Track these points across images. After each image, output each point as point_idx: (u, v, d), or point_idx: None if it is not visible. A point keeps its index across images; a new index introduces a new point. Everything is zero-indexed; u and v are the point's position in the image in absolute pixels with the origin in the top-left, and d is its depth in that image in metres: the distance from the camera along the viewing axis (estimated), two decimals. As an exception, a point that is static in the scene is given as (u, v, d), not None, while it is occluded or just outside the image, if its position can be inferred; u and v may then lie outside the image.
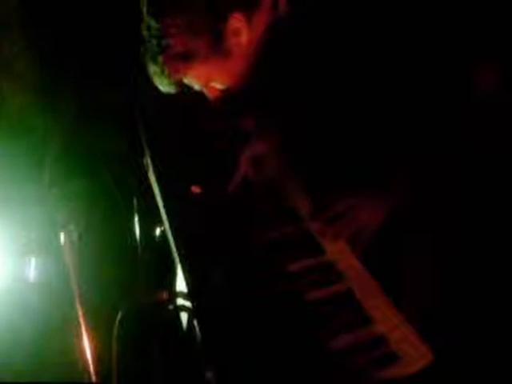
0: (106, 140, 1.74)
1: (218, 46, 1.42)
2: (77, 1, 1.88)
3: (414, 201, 1.38)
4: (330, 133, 1.48)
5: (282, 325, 1.29)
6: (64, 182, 1.68)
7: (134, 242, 1.57)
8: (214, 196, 1.56)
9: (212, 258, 1.40)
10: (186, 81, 1.51)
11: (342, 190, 1.46)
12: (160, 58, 1.44)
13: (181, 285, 1.39)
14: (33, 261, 1.64)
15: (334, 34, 1.40)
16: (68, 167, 1.71)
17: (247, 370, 1.24)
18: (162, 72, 1.46)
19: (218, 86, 1.52)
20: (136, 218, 1.59)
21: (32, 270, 1.64)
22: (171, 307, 1.36)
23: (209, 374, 1.25)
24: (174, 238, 1.44)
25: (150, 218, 1.56)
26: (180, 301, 1.35)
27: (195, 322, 1.29)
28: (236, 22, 1.40)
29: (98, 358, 1.42)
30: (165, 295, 1.38)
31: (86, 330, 1.46)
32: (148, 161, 1.62)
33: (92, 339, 1.45)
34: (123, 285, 1.51)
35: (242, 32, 1.42)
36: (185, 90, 1.53)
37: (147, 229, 1.56)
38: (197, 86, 1.52)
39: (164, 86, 1.50)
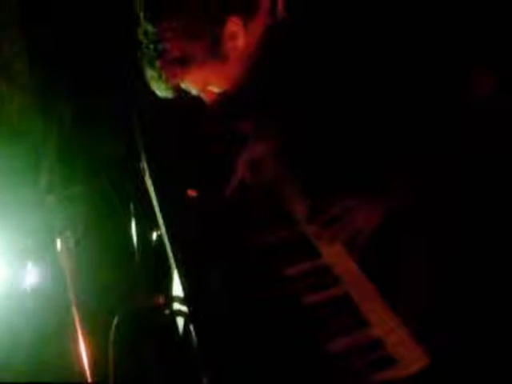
0: (103, 145, 1.74)
1: (215, 50, 1.42)
2: (75, 5, 1.88)
3: (411, 204, 1.37)
4: (327, 136, 1.48)
5: (279, 329, 1.29)
6: (61, 187, 1.68)
7: (131, 247, 1.58)
8: (210, 200, 1.56)
9: (209, 262, 1.40)
10: (183, 85, 1.51)
11: (338, 193, 1.46)
12: (157, 63, 1.44)
13: (177, 289, 1.39)
14: (30, 266, 1.64)
15: (332, 38, 1.40)
16: (65, 172, 1.71)
17: (244, 375, 1.24)
18: (160, 77, 1.46)
19: (215, 89, 1.52)
20: (133, 223, 1.59)
21: (29, 275, 1.64)
22: (167, 312, 1.36)
23: (205, 379, 1.24)
24: (171, 243, 1.44)
25: (147, 223, 1.56)
26: (176, 305, 1.35)
27: (191, 327, 1.29)
28: (233, 25, 1.40)
29: (94, 362, 1.43)
30: (161, 300, 1.38)
31: (83, 335, 1.46)
32: (144, 165, 1.62)
33: (89, 343, 1.46)
34: (120, 289, 1.51)
35: (239, 36, 1.42)
36: (182, 94, 1.53)
37: (144, 233, 1.57)
38: (194, 91, 1.52)
39: (161, 90, 1.50)
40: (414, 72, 1.37)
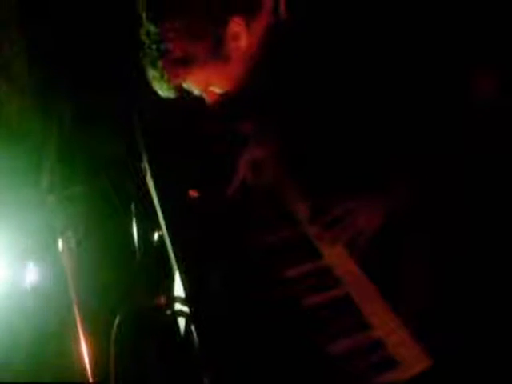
0: (104, 145, 1.74)
1: (217, 50, 1.42)
2: (75, 5, 1.88)
3: (413, 204, 1.37)
4: (329, 137, 1.48)
5: (280, 330, 1.29)
6: (62, 187, 1.68)
7: (132, 247, 1.58)
8: (211, 200, 1.56)
9: (210, 263, 1.40)
10: (185, 85, 1.50)
11: (340, 194, 1.46)
12: (159, 63, 1.44)
13: (178, 290, 1.39)
14: (31, 266, 1.64)
15: (334, 39, 1.40)
16: (66, 173, 1.71)
17: (245, 375, 1.24)
18: (162, 77, 1.46)
19: (217, 90, 1.52)
20: (134, 223, 1.59)
21: (30, 274, 1.64)
22: (169, 312, 1.36)
23: (206, 379, 1.24)
24: (172, 243, 1.44)
25: (148, 223, 1.56)
26: (178, 306, 1.35)
27: (192, 327, 1.29)
28: (235, 26, 1.40)
29: (95, 363, 1.42)
30: (162, 300, 1.38)
31: (84, 335, 1.46)
32: (146, 165, 1.62)
33: (89, 343, 1.45)
34: (121, 289, 1.51)
35: (241, 36, 1.42)
36: (184, 94, 1.53)
37: (145, 234, 1.56)
38: (196, 91, 1.52)
39: (163, 90, 1.49)
40: (415, 73, 1.37)
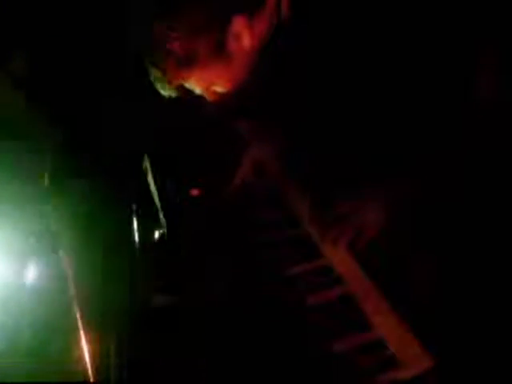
0: (107, 144, 1.74)
1: (219, 50, 1.42)
2: (77, 5, 1.88)
3: (416, 203, 1.38)
4: (331, 135, 1.48)
5: (281, 329, 1.29)
6: (63, 184, 1.68)
7: (133, 246, 1.57)
8: (213, 199, 1.56)
9: (211, 261, 1.40)
10: (187, 85, 1.51)
11: (342, 193, 1.46)
12: (162, 62, 1.44)
13: (180, 287, 1.39)
14: (31, 263, 1.63)
15: (337, 38, 1.40)
16: (68, 169, 1.71)
17: (247, 374, 1.24)
18: (164, 76, 1.46)
19: (219, 89, 1.52)
20: (135, 221, 1.59)
21: (30, 273, 1.63)
22: (170, 309, 1.36)
23: (207, 377, 1.25)
24: (173, 241, 1.44)
25: (150, 221, 1.56)
26: (179, 303, 1.35)
27: (194, 324, 1.29)
28: (238, 25, 1.40)
29: (96, 361, 1.42)
30: (164, 298, 1.38)
31: (85, 333, 1.46)
32: (147, 164, 1.62)
33: (90, 341, 1.45)
34: (122, 287, 1.51)
35: (243, 36, 1.42)
36: (186, 94, 1.53)
37: (147, 232, 1.56)
38: (198, 90, 1.53)
39: (165, 90, 1.50)
40: (417, 70, 1.37)
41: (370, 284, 1.34)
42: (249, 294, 1.36)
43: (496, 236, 1.33)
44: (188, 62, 1.43)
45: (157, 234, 1.54)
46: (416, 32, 1.36)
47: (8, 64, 1.83)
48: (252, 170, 1.59)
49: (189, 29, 1.39)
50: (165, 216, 1.53)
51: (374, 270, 1.36)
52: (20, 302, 1.60)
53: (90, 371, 1.41)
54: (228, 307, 1.33)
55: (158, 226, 1.54)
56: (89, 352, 1.43)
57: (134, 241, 1.58)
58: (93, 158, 1.74)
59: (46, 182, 1.67)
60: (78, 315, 1.48)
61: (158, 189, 1.59)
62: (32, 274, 1.63)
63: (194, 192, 1.57)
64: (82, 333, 1.46)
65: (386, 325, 1.26)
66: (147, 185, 1.62)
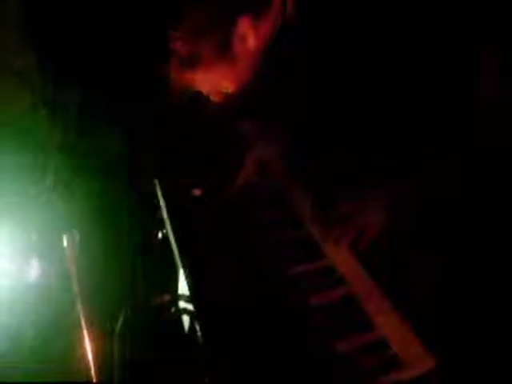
0: (109, 143, 1.74)
1: (224, 50, 1.42)
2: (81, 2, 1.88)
3: (419, 203, 1.38)
4: (335, 136, 1.48)
5: (283, 329, 1.29)
6: (67, 183, 1.68)
7: (137, 245, 1.58)
8: (216, 199, 1.56)
9: (214, 261, 1.40)
10: (191, 86, 1.51)
11: (345, 193, 1.46)
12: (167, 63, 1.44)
13: (183, 288, 1.39)
14: (35, 262, 1.64)
15: (341, 39, 1.40)
16: (71, 169, 1.71)
17: (249, 374, 1.24)
18: (169, 77, 1.46)
19: (224, 90, 1.52)
20: (139, 221, 1.59)
21: (34, 271, 1.64)
22: (173, 310, 1.36)
23: (209, 378, 1.25)
24: (176, 241, 1.44)
25: (153, 221, 1.56)
26: (182, 304, 1.35)
27: (197, 325, 1.29)
28: (243, 26, 1.40)
29: (99, 360, 1.42)
30: (167, 298, 1.38)
31: (88, 332, 1.46)
32: (151, 165, 1.63)
33: (93, 341, 1.45)
34: (125, 287, 1.51)
35: (248, 37, 1.42)
36: (191, 94, 1.53)
37: (150, 231, 1.57)
38: (203, 91, 1.53)
39: (171, 90, 1.50)
40: (420, 71, 1.37)
41: (373, 284, 1.34)
42: (251, 294, 1.36)
43: (497, 236, 1.33)
44: (192, 63, 1.44)
45: (159, 235, 1.54)
46: (419, 32, 1.36)
47: (14, 63, 1.83)
48: (255, 170, 1.59)
49: (193, 29, 1.40)
50: (167, 216, 1.53)
51: (377, 270, 1.36)
52: (23, 301, 1.61)
53: (92, 371, 1.41)
54: (230, 307, 1.33)
55: (161, 226, 1.55)
56: (91, 351, 1.44)
57: (137, 241, 1.58)
58: (97, 158, 1.74)
59: (50, 181, 1.67)
60: (81, 314, 1.48)
61: (161, 189, 1.59)
62: (35, 272, 1.64)
63: (197, 192, 1.57)
64: (84, 332, 1.46)
65: (388, 325, 1.26)
66: (151, 186, 1.63)
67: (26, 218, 1.67)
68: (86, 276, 1.56)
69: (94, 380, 1.42)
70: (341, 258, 1.42)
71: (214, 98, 1.54)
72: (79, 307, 1.49)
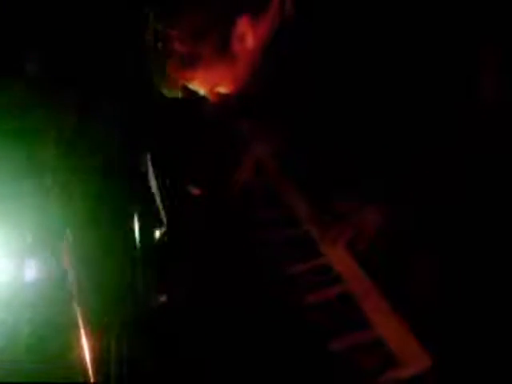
0: (107, 142, 1.74)
1: (223, 50, 1.42)
2: (78, 6, 1.88)
3: (417, 203, 1.38)
4: (332, 136, 1.49)
5: (280, 327, 1.29)
6: (64, 182, 1.68)
7: (133, 245, 1.58)
8: (213, 198, 1.56)
9: (210, 259, 1.40)
10: (190, 86, 1.51)
11: (342, 192, 1.46)
12: (166, 62, 1.44)
13: (179, 286, 1.39)
14: (31, 261, 1.64)
15: (340, 39, 1.40)
16: (68, 168, 1.71)
17: (246, 372, 1.24)
18: (168, 77, 1.46)
19: (222, 90, 1.52)
20: (135, 220, 1.59)
21: (30, 270, 1.64)
22: (170, 309, 1.36)
23: (207, 375, 1.25)
24: (173, 240, 1.44)
25: (150, 220, 1.56)
26: (178, 303, 1.35)
27: (193, 324, 1.29)
28: (242, 26, 1.40)
29: (96, 359, 1.42)
30: (163, 297, 1.38)
31: (85, 331, 1.46)
32: (148, 163, 1.63)
33: (90, 340, 1.45)
34: (122, 286, 1.51)
35: (247, 36, 1.42)
36: (188, 94, 1.53)
37: (147, 230, 1.57)
38: (201, 91, 1.53)
39: (169, 90, 1.50)
40: (419, 70, 1.37)
41: (370, 283, 1.34)
42: (248, 293, 1.36)
43: (496, 236, 1.33)
44: (191, 63, 1.44)
45: (157, 234, 1.54)
46: (418, 32, 1.36)
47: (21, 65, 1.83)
48: (252, 170, 1.59)
49: (192, 29, 1.40)
50: (165, 215, 1.53)
51: (374, 268, 1.36)
52: (19, 300, 1.61)
53: (89, 370, 1.41)
54: (227, 306, 1.33)
55: (159, 225, 1.55)
56: (89, 350, 1.44)
57: (135, 240, 1.58)
58: (94, 159, 1.74)
59: (46, 179, 1.67)
60: (77, 314, 1.48)
61: (158, 188, 1.60)
62: (31, 271, 1.64)
63: (195, 191, 1.57)
64: (81, 331, 1.46)
65: (385, 324, 1.26)
66: (148, 185, 1.63)
67: (23, 217, 1.67)
68: (83, 276, 1.56)
69: (91, 379, 1.42)
70: (337, 256, 1.42)
71: (212, 99, 1.54)
72: (75, 307, 1.49)
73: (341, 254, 1.42)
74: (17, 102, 1.80)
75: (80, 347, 1.45)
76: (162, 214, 1.51)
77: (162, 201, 1.54)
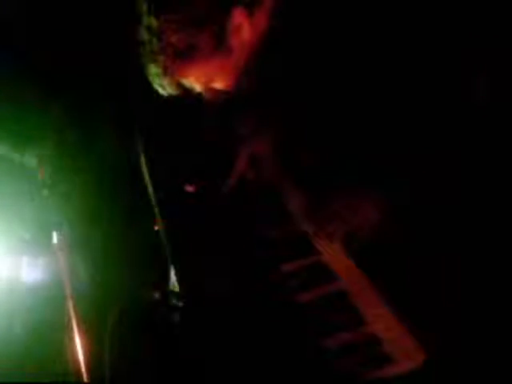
0: (102, 139, 1.74)
1: (219, 42, 1.41)
2: (72, 5, 1.88)
3: (412, 201, 1.37)
4: (329, 133, 1.48)
5: (275, 325, 1.29)
6: (59, 181, 1.68)
7: (129, 243, 1.57)
8: (208, 195, 1.55)
9: (205, 257, 1.40)
10: (185, 82, 1.50)
11: (338, 190, 1.45)
12: (160, 57, 1.43)
13: (174, 285, 1.38)
14: (26, 261, 1.63)
15: (337, 33, 1.39)
16: (63, 167, 1.71)
17: (240, 370, 1.23)
18: (163, 72, 1.45)
19: (218, 86, 1.51)
20: (130, 219, 1.59)
21: (25, 269, 1.63)
22: (164, 307, 1.36)
23: (204, 373, 1.24)
24: (168, 238, 1.44)
25: (145, 219, 1.56)
26: (173, 301, 1.35)
27: (188, 322, 1.29)
28: (238, 17, 1.39)
29: (90, 360, 1.42)
30: (158, 295, 1.38)
31: (79, 330, 1.45)
32: (144, 161, 1.62)
33: (85, 339, 1.45)
34: (116, 285, 1.51)
35: (243, 28, 1.41)
36: (185, 90, 1.52)
37: (141, 229, 1.56)
38: (197, 87, 1.52)
39: (164, 87, 1.49)
40: (414, 71, 1.37)
41: (365, 280, 1.34)
42: (244, 291, 1.35)
43: (493, 235, 1.32)
44: (188, 56, 1.43)
45: (152, 231, 1.54)
46: (414, 33, 1.36)
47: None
48: (249, 166, 1.58)
49: (188, 22, 1.39)
50: (162, 213, 1.52)
51: (369, 266, 1.35)
52: (15, 297, 1.61)
53: (83, 370, 1.41)
54: (224, 304, 1.33)
55: (156, 224, 1.54)
56: (82, 350, 1.43)
57: (132, 239, 1.58)
58: (92, 157, 1.74)
59: (42, 178, 1.67)
60: (73, 312, 1.48)
61: (155, 187, 1.59)
62: (27, 269, 1.63)
63: (191, 188, 1.56)
64: (75, 331, 1.46)
65: (379, 321, 1.26)
66: (144, 181, 1.62)
67: (19, 216, 1.67)
68: (78, 275, 1.55)
69: (86, 379, 1.42)
70: (334, 254, 1.41)
71: (208, 95, 1.54)
72: (70, 306, 1.49)
73: (337, 251, 1.41)
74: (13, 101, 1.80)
75: (74, 347, 1.44)
76: (157, 211, 1.51)
77: (157, 198, 1.54)
